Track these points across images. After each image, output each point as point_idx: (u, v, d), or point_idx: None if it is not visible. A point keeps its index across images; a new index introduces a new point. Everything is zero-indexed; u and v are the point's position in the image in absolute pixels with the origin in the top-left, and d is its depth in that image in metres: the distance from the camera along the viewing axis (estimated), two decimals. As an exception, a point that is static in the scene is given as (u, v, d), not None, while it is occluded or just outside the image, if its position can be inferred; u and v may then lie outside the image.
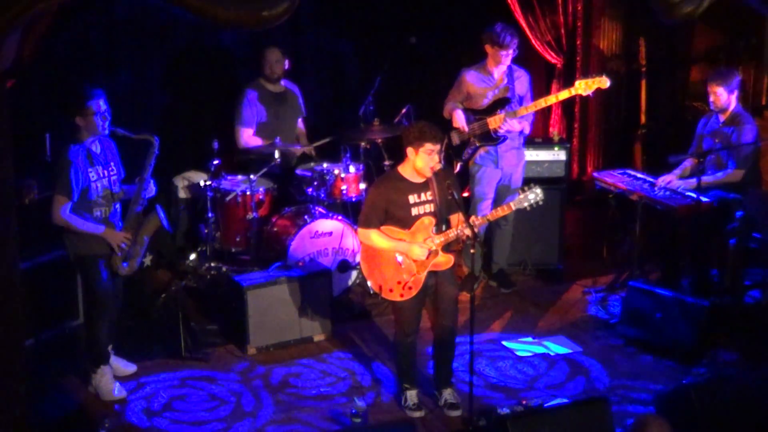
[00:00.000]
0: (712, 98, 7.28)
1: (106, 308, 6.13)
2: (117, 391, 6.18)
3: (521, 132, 7.59)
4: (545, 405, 5.82)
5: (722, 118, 7.31)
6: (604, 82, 7.27)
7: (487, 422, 5.71)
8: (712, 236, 7.26)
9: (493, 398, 6.20)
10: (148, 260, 6.60)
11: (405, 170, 5.84)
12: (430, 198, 5.83)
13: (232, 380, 6.45)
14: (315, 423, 5.96)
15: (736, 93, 7.27)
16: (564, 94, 7.44)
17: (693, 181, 7.14)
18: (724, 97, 7.21)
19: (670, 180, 7.42)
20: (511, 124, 7.37)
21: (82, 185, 5.95)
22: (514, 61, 7.51)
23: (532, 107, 7.39)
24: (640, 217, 7.45)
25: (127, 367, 6.45)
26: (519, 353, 6.79)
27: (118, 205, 6.18)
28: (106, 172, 6.08)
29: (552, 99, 7.56)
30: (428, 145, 5.69)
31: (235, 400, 6.22)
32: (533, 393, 6.27)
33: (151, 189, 6.22)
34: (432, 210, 5.83)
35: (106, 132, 5.99)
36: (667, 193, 7.30)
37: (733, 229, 7.09)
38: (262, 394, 6.29)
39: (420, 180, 5.82)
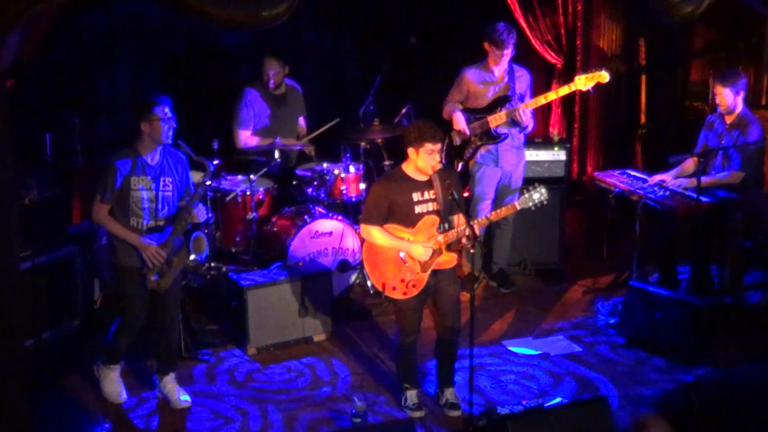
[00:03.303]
0: (718, 100, 7.22)
1: (132, 320, 5.97)
2: (121, 394, 6.11)
3: (522, 131, 7.59)
4: (545, 405, 5.82)
5: (728, 119, 7.26)
6: (604, 77, 7.27)
7: (487, 422, 5.71)
8: (712, 236, 7.26)
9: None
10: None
11: (408, 168, 5.85)
12: (433, 197, 5.83)
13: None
14: (315, 423, 5.96)
15: (742, 94, 7.22)
16: (564, 90, 7.44)
17: (692, 181, 7.13)
18: (730, 98, 7.15)
19: (663, 179, 7.41)
20: (527, 114, 7.32)
21: (120, 191, 5.78)
22: (514, 60, 7.51)
23: (532, 104, 7.39)
24: (640, 217, 7.45)
25: (181, 398, 6.14)
26: (518, 351, 6.81)
27: (162, 222, 5.91)
28: (154, 185, 5.84)
29: (552, 95, 7.57)
30: (428, 145, 5.69)
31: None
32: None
33: (202, 213, 5.99)
34: (435, 209, 5.83)
35: (170, 141, 5.86)
36: (667, 193, 7.29)
37: (733, 229, 7.08)
38: (262, 392, 6.30)
39: (423, 178, 5.82)
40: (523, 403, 5.93)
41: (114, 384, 6.14)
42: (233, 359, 6.73)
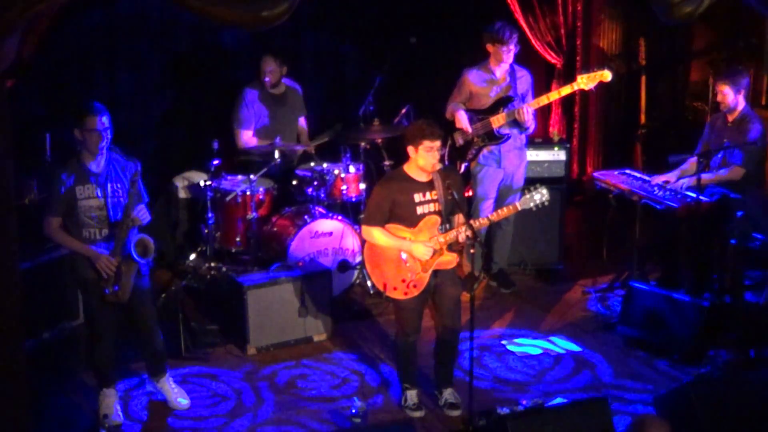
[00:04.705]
0: (719, 98, 7.24)
1: (101, 333, 5.85)
2: (116, 416, 5.92)
3: (522, 132, 7.59)
4: (545, 405, 5.82)
5: (730, 118, 7.28)
6: (606, 75, 7.27)
7: (487, 422, 5.71)
8: (712, 236, 7.26)
9: (501, 391, 6.27)
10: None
11: (410, 169, 5.86)
12: (434, 197, 5.84)
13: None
14: (315, 423, 5.96)
15: (743, 93, 7.22)
16: (566, 90, 7.44)
17: (693, 180, 7.12)
18: (730, 96, 7.16)
19: (666, 180, 7.40)
20: (529, 113, 7.33)
21: (67, 203, 5.66)
22: (515, 59, 7.51)
23: (534, 103, 7.40)
24: (640, 217, 7.45)
25: (179, 401, 6.10)
26: (520, 351, 6.82)
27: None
28: (101, 192, 5.68)
29: (554, 95, 7.57)
30: (426, 143, 5.70)
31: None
32: (540, 386, 6.34)
33: (144, 215, 5.74)
34: (437, 209, 5.84)
35: (102, 153, 5.67)
36: (667, 193, 7.29)
37: (733, 229, 7.08)
38: (263, 394, 6.30)
39: (425, 179, 5.83)
40: (523, 403, 5.94)
41: (110, 408, 5.92)
42: (233, 358, 6.73)
